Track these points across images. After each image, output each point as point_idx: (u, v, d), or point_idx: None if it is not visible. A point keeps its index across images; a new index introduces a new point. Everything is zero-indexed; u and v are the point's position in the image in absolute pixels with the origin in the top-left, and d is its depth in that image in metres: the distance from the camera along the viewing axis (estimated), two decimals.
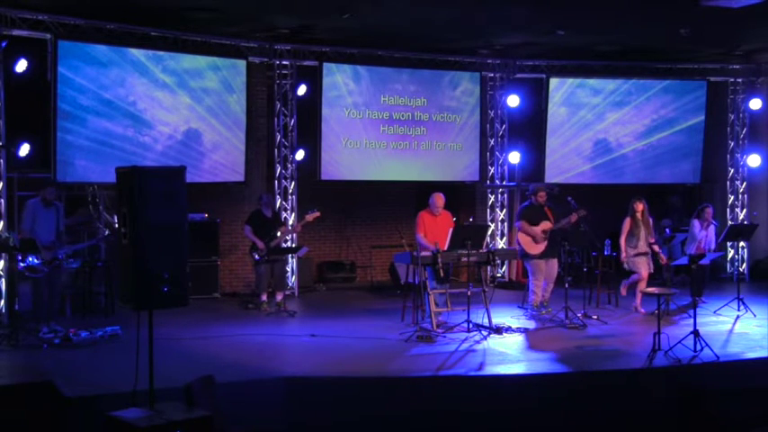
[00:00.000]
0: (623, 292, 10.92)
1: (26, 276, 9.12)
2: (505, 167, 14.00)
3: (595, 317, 10.19)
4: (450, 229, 9.60)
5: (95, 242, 10.26)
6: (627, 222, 10.70)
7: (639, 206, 10.68)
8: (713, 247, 11.31)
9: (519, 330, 9.53)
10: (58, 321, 9.24)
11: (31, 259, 8.86)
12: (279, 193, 12.59)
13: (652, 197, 13.99)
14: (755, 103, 13.94)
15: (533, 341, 9.07)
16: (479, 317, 9.47)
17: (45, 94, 10.38)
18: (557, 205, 10.70)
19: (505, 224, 14.08)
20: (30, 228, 8.98)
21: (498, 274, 13.84)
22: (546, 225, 10.48)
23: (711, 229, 11.28)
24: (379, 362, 8.07)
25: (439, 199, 10.14)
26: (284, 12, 10.97)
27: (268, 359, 8.16)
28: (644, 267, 10.62)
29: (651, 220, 10.82)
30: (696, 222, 11.23)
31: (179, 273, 5.80)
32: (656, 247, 10.87)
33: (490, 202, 14.19)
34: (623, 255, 10.70)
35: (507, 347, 8.67)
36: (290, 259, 12.33)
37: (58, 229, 9.14)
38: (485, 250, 9.82)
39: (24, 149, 10.17)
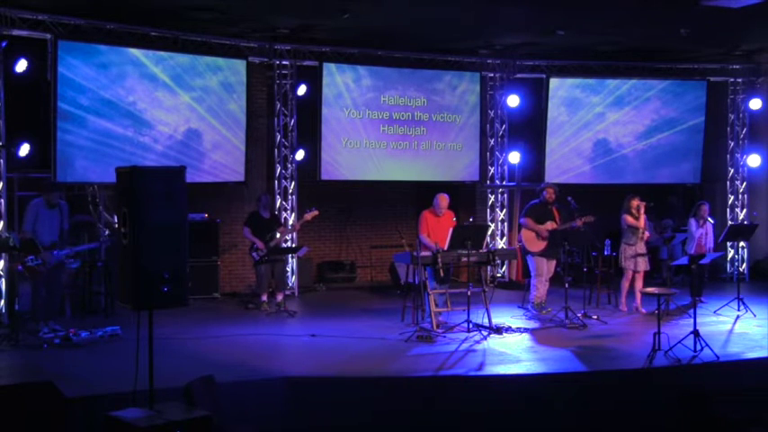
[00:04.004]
0: (624, 309, 10.86)
1: (27, 276, 9.11)
2: (505, 167, 13.99)
3: (595, 317, 10.20)
4: (450, 229, 9.61)
5: (97, 245, 10.23)
6: (627, 219, 10.65)
7: (634, 202, 10.66)
8: (712, 246, 11.31)
9: (519, 330, 9.53)
10: (57, 321, 9.24)
11: (32, 258, 8.84)
12: (279, 194, 12.59)
13: (652, 197, 14.03)
14: (755, 103, 13.93)
15: (533, 341, 9.07)
16: (479, 317, 9.47)
17: (45, 94, 10.38)
18: (562, 207, 10.69)
19: (505, 224, 14.08)
20: (31, 228, 8.96)
21: (498, 274, 13.84)
22: (551, 225, 10.49)
23: (709, 226, 11.29)
24: (379, 362, 8.07)
25: (443, 200, 10.15)
26: (284, 12, 10.98)
27: (268, 359, 8.17)
28: (641, 266, 10.62)
29: (646, 218, 10.80)
30: (693, 221, 11.26)
31: (179, 273, 5.80)
32: (647, 235, 10.81)
33: (490, 202, 14.19)
34: (628, 249, 10.66)
35: (507, 347, 8.67)
36: (290, 259, 12.33)
37: (61, 230, 9.13)
38: (485, 250, 9.82)
39: (24, 149, 10.16)
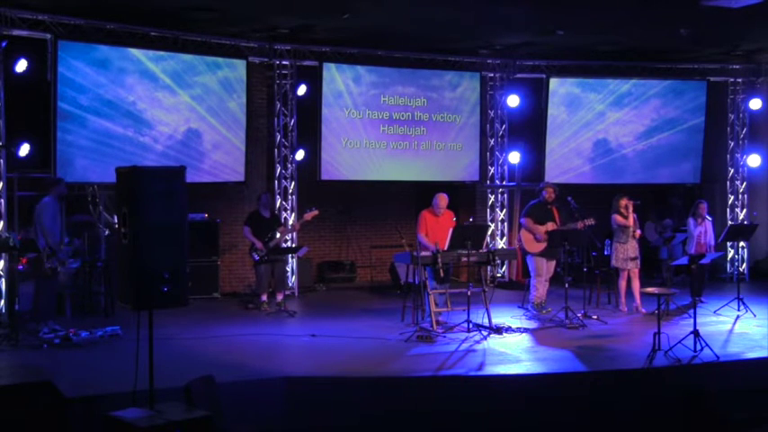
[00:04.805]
0: (624, 309, 10.85)
1: (38, 276, 9.07)
2: (505, 167, 13.99)
3: (595, 317, 10.19)
4: (451, 229, 9.60)
5: (101, 235, 10.22)
6: (618, 218, 10.66)
7: (623, 202, 10.66)
8: (713, 243, 11.32)
9: (519, 330, 9.52)
10: (57, 321, 9.24)
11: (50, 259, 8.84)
12: (279, 193, 12.60)
13: (652, 197, 14.04)
14: (755, 103, 13.94)
15: (533, 341, 9.07)
16: (479, 317, 9.47)
17: (45, 94, 10.38)
18: (562, 207, 10.69)
19: (505, 224, 14.08)
20: (51, 226, 8.92)
21: (498, 274, 13.84)
22: (551, 225, 10.48)
23: (708, 224, 11.30)
24: (379, 362, 8.07)
25: (442, 200, 10.14)
26: (284, 12, 10.97)
27: (268, 359, 8.17)
28: (630, 264, 10.61)
29: (636, 217, 10.78)
30: (691, 220, 11.30)
31: (179, 273, 5.80)
32: (638, 233, 10.80)
33: (490, 202, 14.19)
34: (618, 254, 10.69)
35: (507, 347, 8.67)
36: (289, 259, 12.33)
37: (62, 228, 9.14)
38: (485, 250, 9.82)
39: (24, 149, 10.16)
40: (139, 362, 5.73)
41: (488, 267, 12.42)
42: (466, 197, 14.20)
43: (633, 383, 7.68)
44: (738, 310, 10.70)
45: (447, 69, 13.40)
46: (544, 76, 13.69)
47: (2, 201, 10.10)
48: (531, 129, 13.94)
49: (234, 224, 12.33)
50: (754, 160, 14.04)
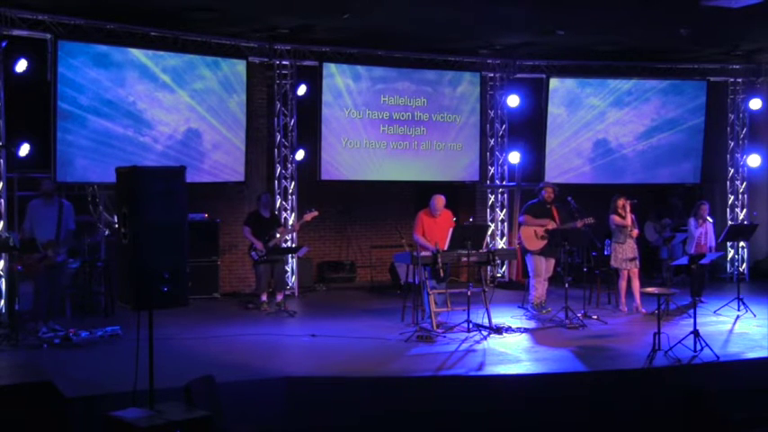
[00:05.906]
0: (624, 309, 10.83)
1: (28, 276, 9.09)
2: (505, 167, 13.99)
3: (595, 317, 10.19)
4: (450, 229, 9.60)
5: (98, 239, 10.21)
6: (615, 219, 10.66)
7: (620, 202, 10.67)
8: (714, 244, 11.33)
9: (519, 330, 9.52)
10: (57, 321, 9.24)
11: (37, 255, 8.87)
12: (279, 194, 12.60)
13: (652, 197, 14.04)
14: (755, 103, 13.93)
15: (533, 341, 9.07)
16: (479, 317, 9.47)
17: (45, 94, 10.38)
18: (561, 207, 10.69)
19: (505, 224, 14.08)
20: (29, 228, 8.99)
21: (498, 274, 13.84)
22: (551, 225, 10.48)
23: (709, 225, 11.30)
24: (379, 362, 8.07)
25: (439, 201, 10.11)
26: (284, 12, 10.97)
27: (268, 359, 8.16)
28: (632, 267, 10.62)
29: (634, 217, 10.78)
30: (692, 221, 11.29)
31: (179, 273, 5.80)
32: (635, 232, 10.79)
33: (490, 202, 14.19)
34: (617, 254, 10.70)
35: (507, 347, 8.67)
36: (289, 259, 12.33)
37: (58, 228, 9.09)
38: (485, 250, 9.82)
39: (24, 149, 10.17)
40: (139, 362, 5.73)
41: (488, 267, 12.42)
42: (466, 197, 14.21)
43: (633, 383, 7.68)
44: (738, 310, 10.70)
45: (447, 69, 13.40)
46: (544, 76, 13.69)
47: (2, 201, 10.10)
48: (531, 129, 13.94)
49: (234, 224, 12.33)
50: (754, 160, 14.04)
